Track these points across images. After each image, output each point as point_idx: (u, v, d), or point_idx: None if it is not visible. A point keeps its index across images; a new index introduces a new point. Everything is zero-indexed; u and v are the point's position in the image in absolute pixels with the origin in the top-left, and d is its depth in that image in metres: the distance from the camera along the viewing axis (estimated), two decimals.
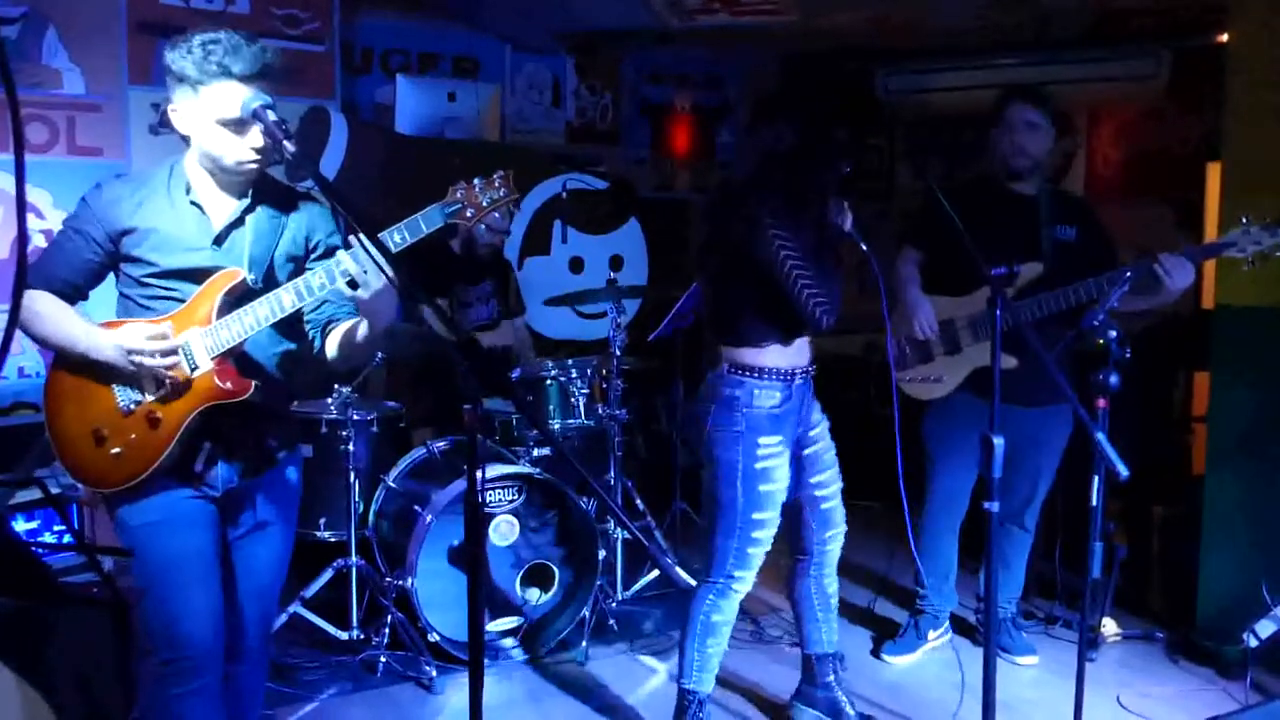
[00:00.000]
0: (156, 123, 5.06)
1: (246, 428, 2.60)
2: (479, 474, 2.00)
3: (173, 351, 2.43)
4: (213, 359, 2.46)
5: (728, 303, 3.27)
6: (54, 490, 3.80)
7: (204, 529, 2.57)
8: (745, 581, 3.33)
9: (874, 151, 7.74)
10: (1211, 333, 4.18)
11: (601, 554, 4.23)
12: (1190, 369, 5.66)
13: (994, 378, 2.65)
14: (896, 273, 3.98)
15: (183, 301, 2.49)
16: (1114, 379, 2.94)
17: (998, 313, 2.66)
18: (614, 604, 4.49)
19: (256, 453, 2.65)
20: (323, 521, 4.26)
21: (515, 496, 4.10)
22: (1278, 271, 3.55)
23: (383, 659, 3.94)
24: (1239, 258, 3.41)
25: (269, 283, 2.55)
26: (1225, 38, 4.32)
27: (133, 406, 2.49)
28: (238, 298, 2.48)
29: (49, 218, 4.77)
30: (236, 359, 2.52)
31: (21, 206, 1.23)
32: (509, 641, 4.17)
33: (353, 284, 2.41)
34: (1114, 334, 2.95)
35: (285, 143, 2.26)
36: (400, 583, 3.96)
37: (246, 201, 2.55)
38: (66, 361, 2.52)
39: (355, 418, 4.13)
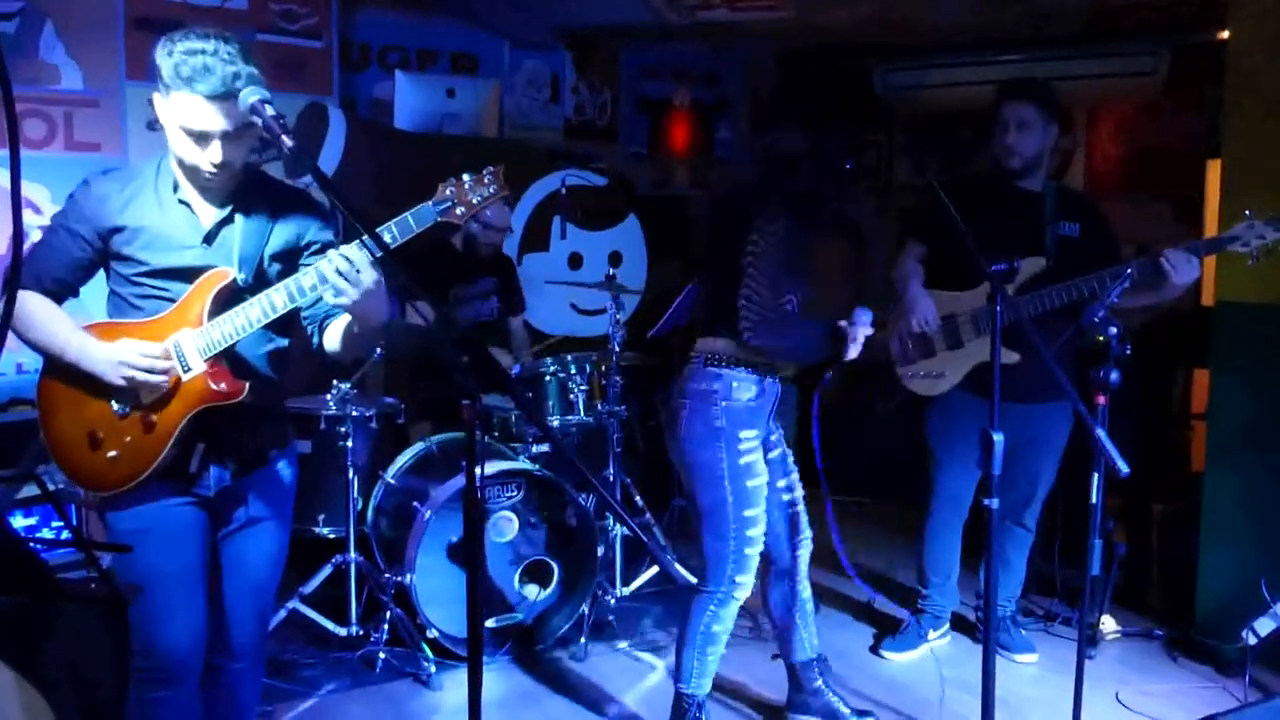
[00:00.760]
0: (154, 118, 5.04)
1: (240, 428, 2.59)
2: (478, 470, 1.99)
3: (165, 371, 2.42)
4: (205, 360, 2.46)
5: (718, 294, 3.22)
6: (52, 487, 3.80)
7: (192, 540, 2.56)
8: (745, 588, 3.27)
9: (872, 147, 7.73)
10: (1211, 329, 4.17)
11: (600, 551, 4.23)
12: (1190, 366, 5.65)
13: (994, 373, 2.64)
14: (898, 268, 3.98)
15: (173, 301, 2.48)
16: (1114, 376, 2.93)
17: (998, 308, 2.66)
18: (613, 601, 4.49)
19: (250, 452, 2.64)
20: (321, 518, 4.26)
21: (514, 493, 4.09)
22: (1277, 267, 3.54)
23: (381, 655, 3.94)
24: (1243, 252, 3.40)
25: (259, 281, 2.53)
26: (1225, 34, 4.31)
27: (128, 410, 2.48)
28: (228, 297, 2.47)
29: (46, 213, 4.76)
30: (229, 359, 2.51)
31: (17, 202, 1.22)
32: (508, 637, 4.16)
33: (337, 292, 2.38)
34: (1114, 330, 2.94)
35: (283, 137, 2.24)
36: (399, 579, 3.96)
37: (234, 202, 2.53)
38: (56, 367, 2.50)
39: (354, 414, 4.13)
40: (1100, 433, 2.71)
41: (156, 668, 2.53)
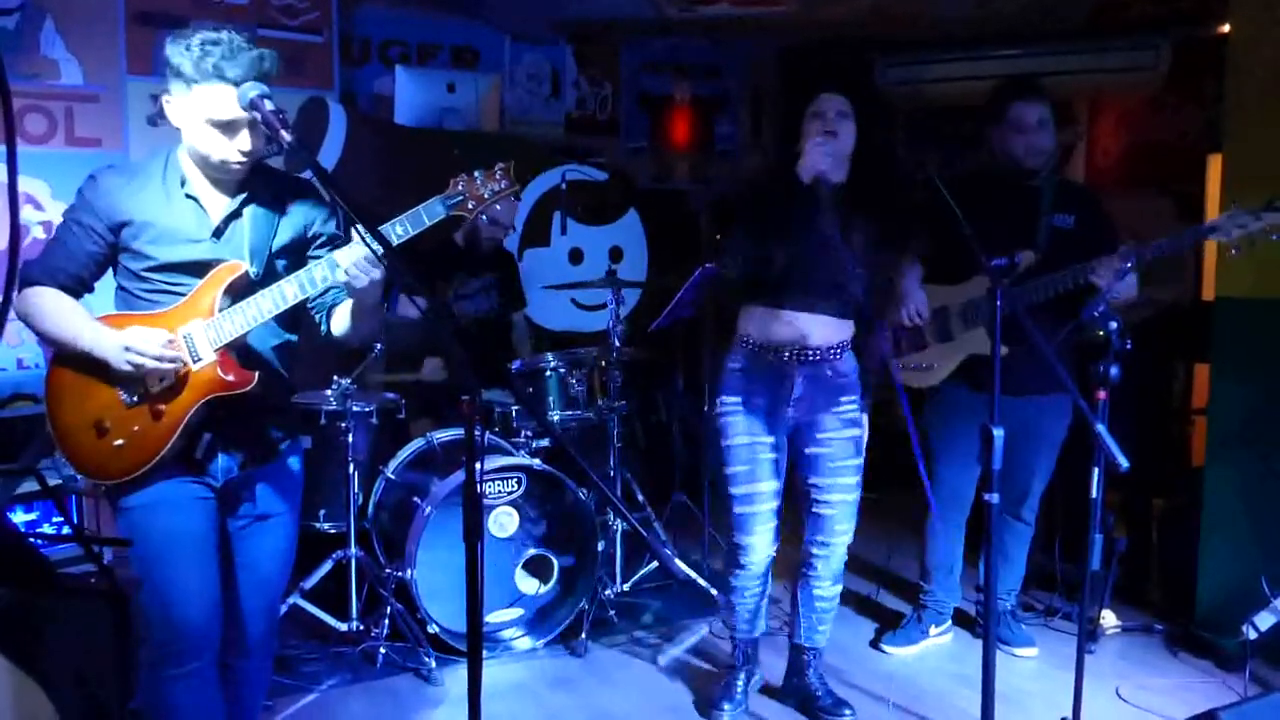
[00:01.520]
0: (155, 114, 5.05)
1: (248, 419, 2.60)
2: (478, 465, 1.99)
3: (173, 359, 2.43)
4: (215, 351, 2.47)
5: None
6: (52, 482, 3.80)
7: (203, 514, 2.58)
8: (748, 550, 3.46)
9: None
10: (1212, 324, 4.17)
11: (601, 545, 4.23)
12: (1190, 361, 5.65)
13: (994, 369, 2.64)
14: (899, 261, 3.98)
15: (182, 295, 2.49)
16: (1114, 371, 2.93)
17: (997, 304, 2.65)
18: (613, 595, 4.49)
19: (257, 443, 2.65)
20: (322, 513, 4.26)
21: (514, 488, 4.09)
22: (1278, 262, 3.54)
23: (382, 650, 3.95)
24: (1224, 242, 3.38)
25: (269, 273, 2.55)
26: (1226, 28, 4.30)
27: (135, 400, 2.49)
28: (240, 290, 2.49)
29: (48, 209, 4.76)
30: (238, 351, 2.53)
31: (14, 198, 1.22)
32: (508, 633, 4.17)
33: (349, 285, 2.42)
34: (1114, 325, 2.94)
35: (283, 132, 2.26)
36: (400, 574, 3.96)
37: (244, 195, 2.54)
38: (69, 356, 2.51)
39: (355, 409, 4.13)
40: (1101, 428, 2.71)
41: (175, 638, 2.52)
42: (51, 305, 2.48)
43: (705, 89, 7.32)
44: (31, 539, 2.58)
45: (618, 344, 4.53)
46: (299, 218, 2.63)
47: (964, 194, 2.94)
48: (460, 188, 2.46)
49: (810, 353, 3.36)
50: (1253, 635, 3.74)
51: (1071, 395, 2.73)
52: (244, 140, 2.42)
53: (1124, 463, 2.63)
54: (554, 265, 6.32)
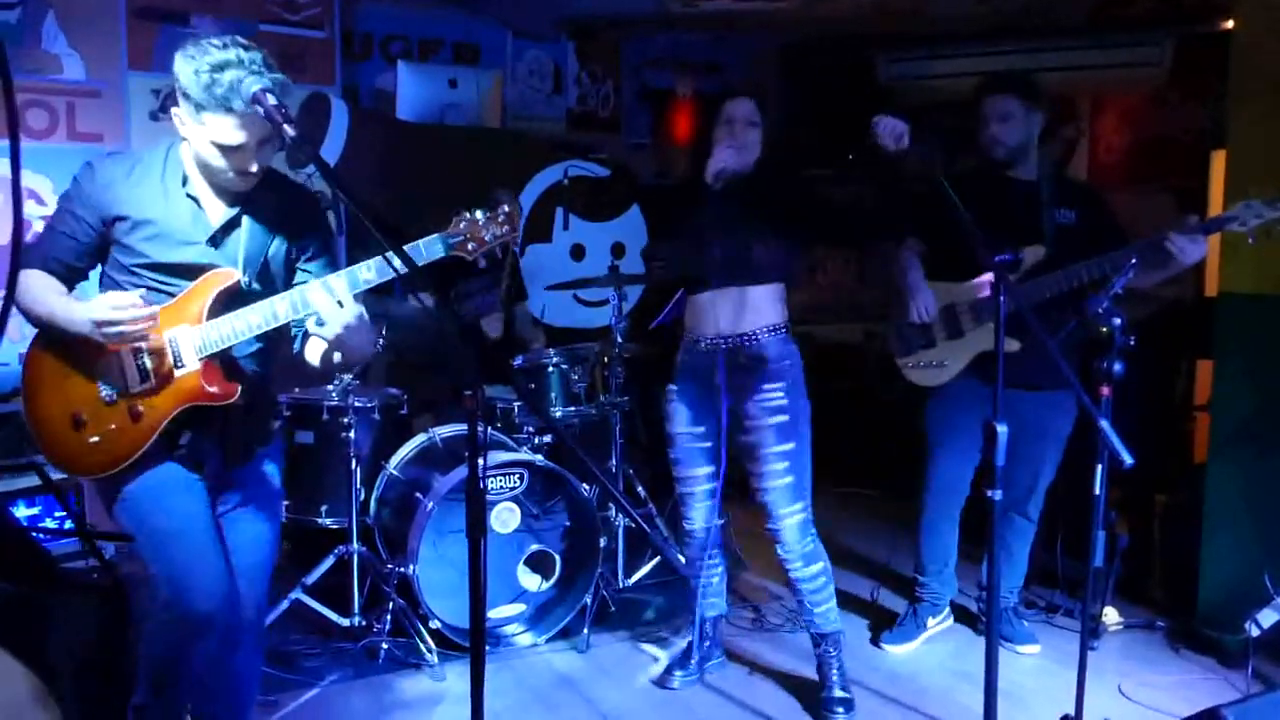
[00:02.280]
0: (156, 108, 5.05)
1: (227, 425, 2.60)
2: (481, 461, 1.99)
3: (149, 315, 2.39)
4: (200, 359, 2.46)
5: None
6: (54, 477, 3.80)
7: (202, 495, 2.59)
8: (689, 522, 3.75)
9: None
10: (1214, 321, 4.17)
11: (603, 542, 4.23)
12: (1193, 357, 5.64)
13: (998, 364, 2.63)
14: (898, 258, 3.98)
15: (171, 296, 2.48)
16: (1118, 366, 2.92)
17: (1001, 299, 2.65)
18: (615, 591, 4.49)
19: (236, 447, 2.65)
20: (324, 508, 4.26)
21: (517, 483, 4.09)
22: None
23: (384, 646, 3.95)
24: (1241, 232, 3.40)
25: (262, 281, 2.55)
26: (1229, 24, 4.29)
27: (115, 397, 2.48)
28: (229, 298, 2.48)
29: (49, 204, 4.76)
30: (222, 360, 2.52)
31: (17, 194, 1.22)
32: (510, 628, 4.17)
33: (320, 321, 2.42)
34: (1118, 321, 2.94)
35: (286, 127, 2.25)
36: (402, 569, 3.96)
37: (244, 203, 2.53)
38: (49, 341, 2.50)
39: (357, 405, 4.13)
40: (1104, 424, 2.71)
41: (189, 619, 2.51)
42: (34, 284, 2.46)
43: (707, 84, 7.31)
44: (34, 534, 2.58)
45: (620, 340, 4.53)
46: (297, 232, 2.62)
47: (964, 189, 2.93)
48: (462, 226, 2.45)
49: (725, 341, 3.52)
50: (1255, 632, 3.74)
51: (1075, 390, 2.72)
52: (249, 160, 2.40)
53: (1128, 459, 2.62)
54: (556, 261, 6.32)
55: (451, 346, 4.41)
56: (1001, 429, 2.59)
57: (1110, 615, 4.32)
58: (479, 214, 2.45)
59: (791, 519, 3.53)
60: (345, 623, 4.06)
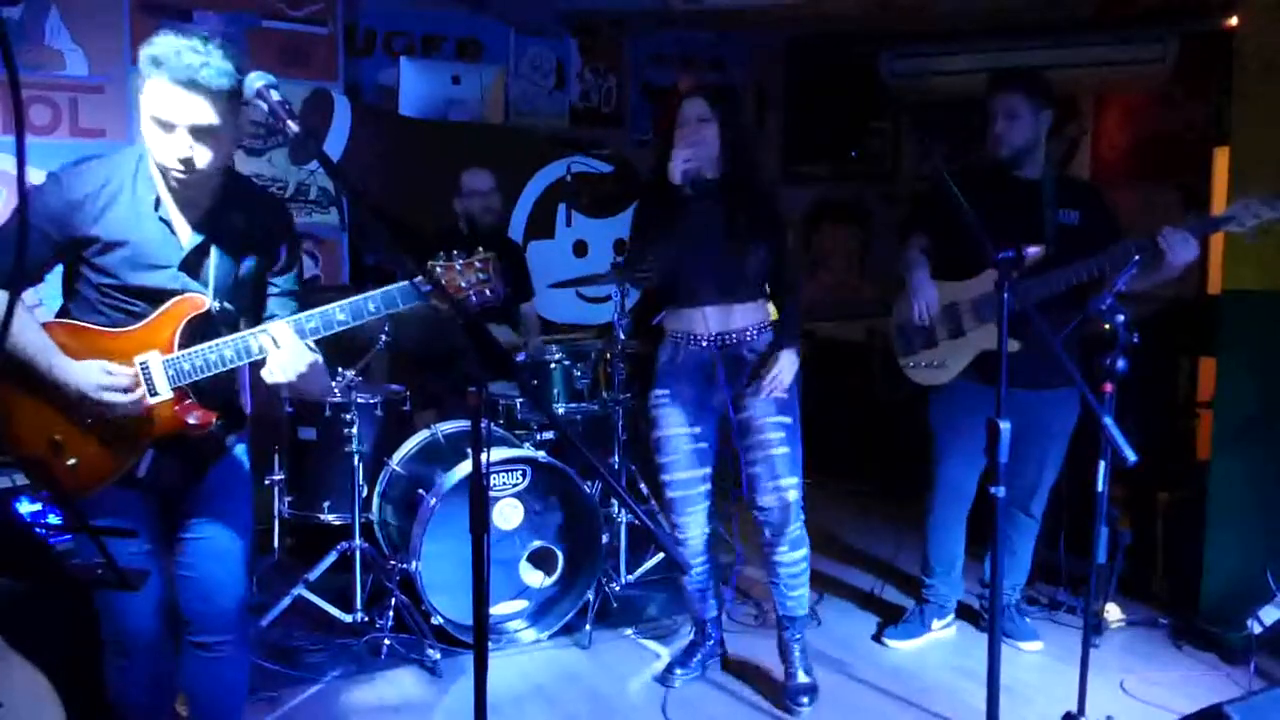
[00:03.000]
0: None
1: (195, 444, 2.59)
2: (484, 457, 1.99)
3: (133, 390, 2.41)
4: (173, 388, 2.44)
5: None
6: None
7: (142, 525, 2.54)
8: (683, 529, 3.69)
9: (878, 135, 7.71)
10: (1218, 318, 4.16)
11: (605, 538, 4.23)
12: (1196, 354, 5.64)
13: (1001, 362, 2.63)
14: (902, 257, 3.97)
15: (140, 317, 2.46)
16: (1121, 364, 2.92)
17: (1004, 296, 2.64)
18: (617, 588, 4.49)
19: (203, 452, 2.64)
20: (327, 504, 4.27)
21: (519, 480, 4.09)
22: None
23: (386, 642, 3.95)
24: (1239, 231, 3.39)
25: (233, 300, 2.54)
26: (1233, 21, 4.29)
27: (91, 422, 2.45)
28: (199, 325, 2.47)
29: None
30: (194, 388, 2.49)
31: (23, 189, 1.22)
32: (513, 624, 4.17)
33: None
34: (1121, 318, 2.93)
35: (289, 123, 2.23)
36: (404, 566, 3.97)
37: (211, 226, 2.49)
38: (12, 371, 2.42)
39: (359, 401, 4.13)
40: (1108, 420, 2.71)
41: (119, 641, 2.60)
42: (18, 312, 2.37)
43: (710, 81, 7.30)
44: (37, 529, 2.58)
45: (622, 336, 4.53)
46: (265, 247, 2.60)
47: (967, 187, 2.92)
48: (439, 272, 2.39)
49: (728, 337, 3.52)
50: (1258, 629, 3.74)
51: (1079, 388, 2.72)
52: (181, 145, 2.31)
53: (1131, 456, 2.62)
54: (559, 257, 6.32)
55: (456, 342, 4.42)
56: (1004, 425, 2.59)
57: (1113, 612, 4.33)
58: (457, 261, 2.39)
59: (788, 492, 3.53)
60: (348, 619, 4.07)
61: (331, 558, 4.11)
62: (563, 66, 6.76)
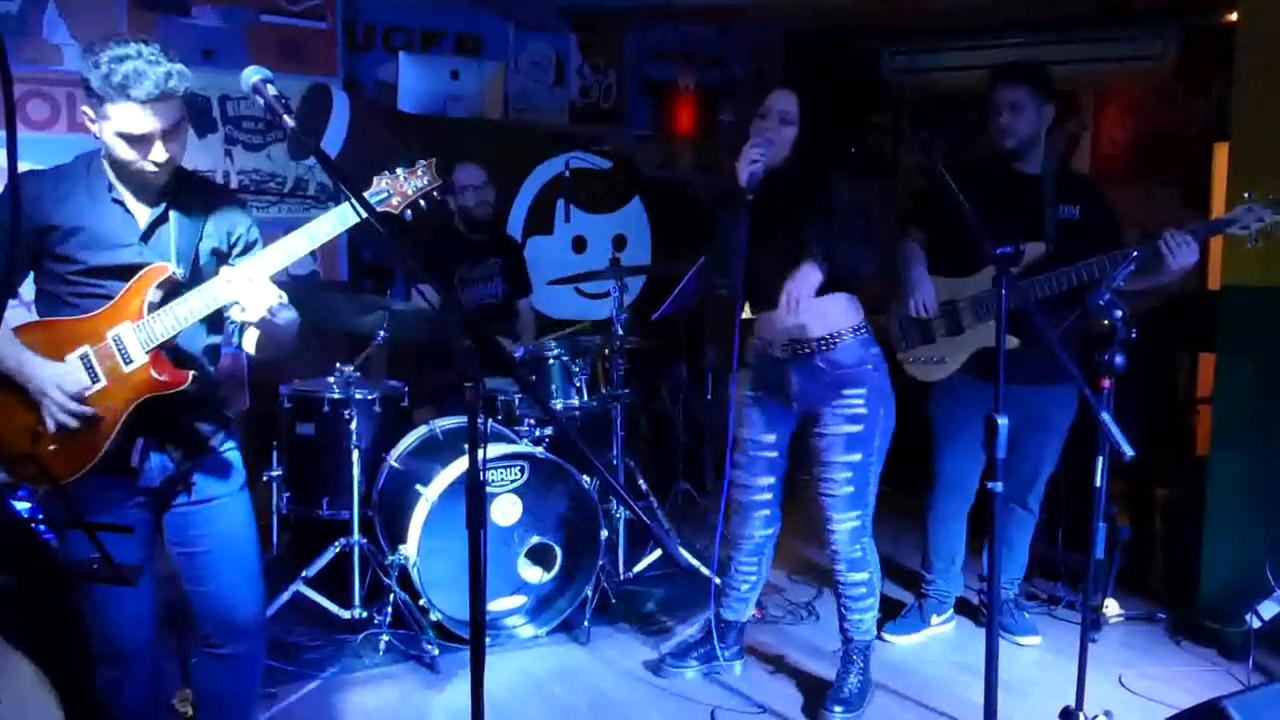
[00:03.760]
0: None
1: (179, 418, 2.61)
2: (481, 453, 1.99)
3: (80, 414, 2.44)
4: (147, 352, 2.47)
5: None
6: None
7: (135, 541, 2.53)
8: (739, 532, 3.69)
9: (878, 131, 7.70)
10: (1217, 314, 4.16)
11: (604, 534, 4.23)
12: (1195, 350, 5.64)
13: (999, 357, 2.62)
14: (900, 253, 3.97)
15: (110, 298, 2.49)
16: (1119, 359, 2.92)
17: (1003, 292, 2.64)
18: (616, 583, 4.49)
19: (189, 441, 2.65)
20: (325, 500, 4.27)
21: (518, 476, 4.09)
22: None
23: (385, 638, 3.95)
24: (1241, 234, 3.39)
25: (196, 275, 2.56)
26: (1233, 17, 4.28)
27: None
28: (167, 292, 2.50)
29: None
30: (170, 351, 2.53)
31: (14, 184, 1.22)
32: (511, 620, 4.17)
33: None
34: (1120, 314, 2.93)
35: (285, 118, 2.25)
36: (402, 562, 3.96)
37: (168, 200, 2.55)
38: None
39: (358, 397, 4.13)
40: (1106, 416, 2.70)
41: (111, 653, 2.59)
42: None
43: (710, 77, 7.30)
44: (34, 524, 2.59)
45: (621, 332, 4.52)
46: (224, 223, 2.64)
47: (965, 182, 2.92)
48: (385, 184, 2.53)
49: (800, 347, 3.43)
50: (1256, 624, 3.74)
51: (1077, 383, 2.72)
52: (158, 152, 2.41)
53: (1129, 451, 2.62)
54: (557, 253, 6.32)
55: (453, 338, 4.41)
56: (1002, 421, 2.59)
57: (1111, 607, 4.32)
58: (400, 170, 2.54)
59: (844, 525, 3.50)
60: (346, 615, 4.07)
61: (330, 554, 4.11)
62: (562, 62, 6.75)
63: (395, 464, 4.27)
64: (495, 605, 4.11)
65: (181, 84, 2.38)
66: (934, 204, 3.88)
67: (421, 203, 2.56)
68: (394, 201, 2.53)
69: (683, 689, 3.74)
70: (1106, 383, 2.92)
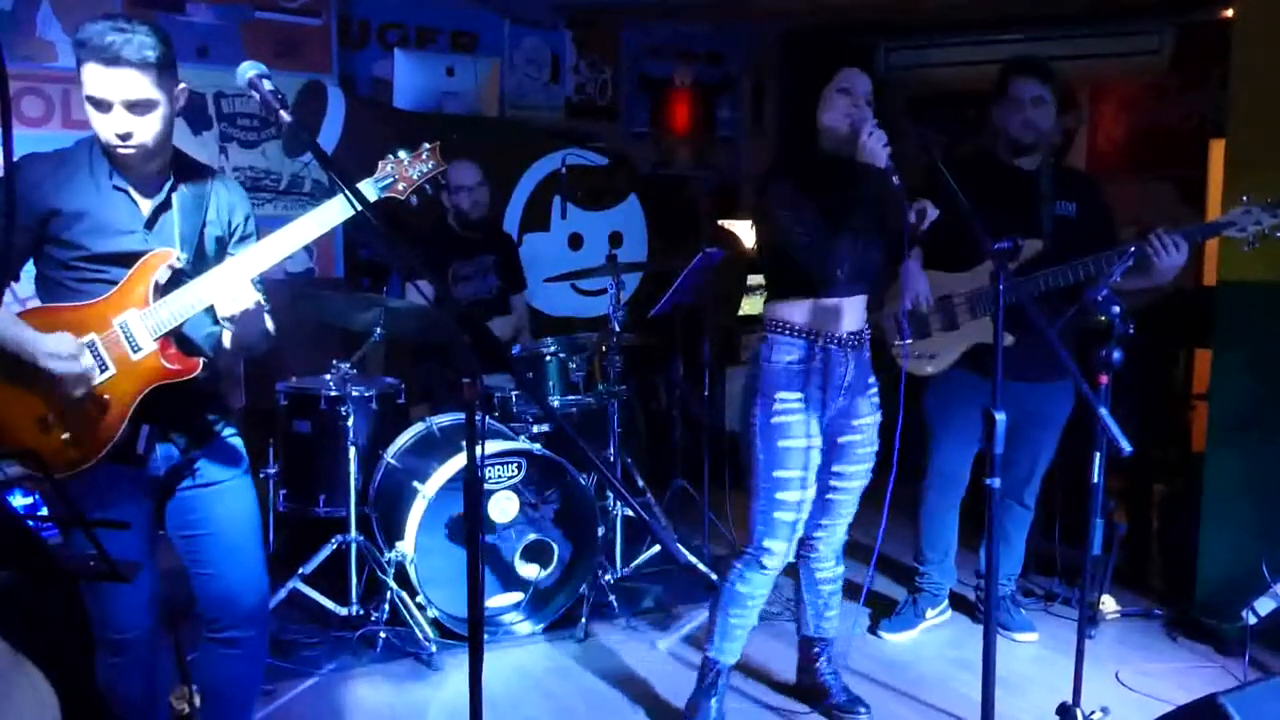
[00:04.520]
0: None
1: (185, 407, 2.60)
2: (478, 450, 1.99)
3: (78, 356, 2.41)
4: (155, 340, 2.46)
5: (767, 261, 3.30)
6: None
7: (139, 515, 2.56)
8: (775, 555, 3.22)
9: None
10: (1214, 310, 4.16)
11: (601, 530, 4.23)
12: (1192, 346, 5.65)
13: (996, 353, 2.62)
14: None
15: (114, 284, 2.48)
16: (1117, 355, 2.92)
17: (1000, 286, 2.63)
18: (613, 580, 4.49)
19: (195, 429, 2.65)
20: (322, 497, 4.26)
21: (515, 473, 4.09)
22: None
23: (382, 635, 3.94)
24: (1239, 237, 3.38)
25: (199, 260, 2.56)
26: (1229, 13, 4.28)
27: (82, 394, 2.46)
28: (172, 278, 2.49)
29: None
30: (177, 339, 2.52)
31: (9, 180, 1.21)
32: (508, 617, 4.17)
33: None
34: (1117, 310, 2.93)
35: (281, 113, 2.25)
36: (399, 559, 3.96)
37: (169, 182, 2.54)
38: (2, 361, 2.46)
39: (354, 394, 4.12)
40: (1103, 412, 2.70)
41: (112, 640, 2.60)
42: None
43: (706, 73, 7.30)
44: (30, 521, 2.58)
45: (618, 329, 4.52)
46: (224, 208, 2.64)
47: (962, 178, 2.91)
48: (389, 169, 2.53)
49: (855, 337, 3.24)
50: (1252, 620, 3.74)
51: (1074, 379, 2.72)
52: (118, 121, 2.38)
53: (1127, 447, 2.62)
54: (554, 250, 6.31)
55: (449, 334, 4.41)
56: (1000, 417, 2.59)
57: (1108, 603, 4.33)
58: (403, 154, 2.56)
59: (848, 518, 3.47)
60: (343, 612, 4.06)
61: (327, 551, 4.10)
62: (558, 59, 6.74)
63: (392, 461, 4.26)
64: (492, 602, 4.12)
65: (154, 56, 2.36)
66: (931, 199, 3.87)
67: (427, 187, 2.55)
68: (399, 186, 2.52)
69: (682, 687, 3.74)
70: (1104, 379, 2.92)
